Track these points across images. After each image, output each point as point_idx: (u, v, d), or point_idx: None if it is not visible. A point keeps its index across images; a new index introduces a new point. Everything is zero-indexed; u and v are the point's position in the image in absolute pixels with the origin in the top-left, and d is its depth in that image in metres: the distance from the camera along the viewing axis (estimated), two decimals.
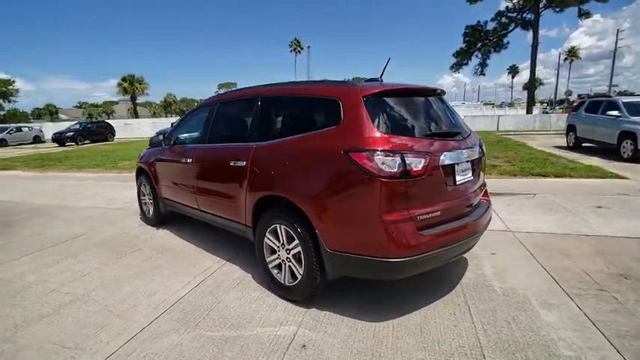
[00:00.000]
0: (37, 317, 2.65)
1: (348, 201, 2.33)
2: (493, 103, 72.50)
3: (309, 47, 77.31)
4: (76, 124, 26.45)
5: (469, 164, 2.71)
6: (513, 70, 74.17)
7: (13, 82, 42.35)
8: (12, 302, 2.89)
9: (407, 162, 2.21)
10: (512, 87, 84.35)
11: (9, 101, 42.46)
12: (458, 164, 2.56)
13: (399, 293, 2.88)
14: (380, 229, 2.21)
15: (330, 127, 2.49)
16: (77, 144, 23.02)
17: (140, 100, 47.04)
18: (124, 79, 44.95)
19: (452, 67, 34.80)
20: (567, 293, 2.80)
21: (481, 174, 2.98)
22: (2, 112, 47.12)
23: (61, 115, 68.16)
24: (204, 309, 2.71)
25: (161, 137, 4.57)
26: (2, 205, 6.49)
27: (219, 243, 4.08)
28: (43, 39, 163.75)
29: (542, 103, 63.59)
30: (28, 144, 25.87)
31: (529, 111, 29.35)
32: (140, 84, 46.86)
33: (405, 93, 2.64)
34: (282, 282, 2.82)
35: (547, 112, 35.42)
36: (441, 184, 2.41)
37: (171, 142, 4.33)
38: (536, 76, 34.06)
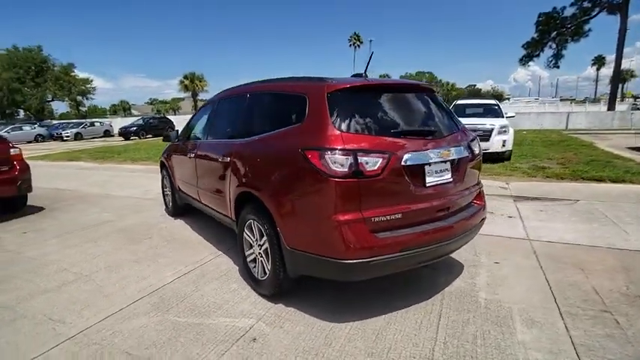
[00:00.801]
0: (41, 292, 3.06)
1: (303, 199, 2.35)
2: (573, 99, 65.38)
3: (371, 41, 76.36)
4: (139, 119, 29.14)
5: (448, 165, 2.56)
6: (599, 62, 66.37)
7: (91, 80, 47.94)
8: (27, 277, 3.36)
9: (360, 162, 2.17)
10: (597, 80, 75.52)
11: (87, 98, 47.94)
12: (430, 164, 2.44)
13: (375, 295, 2.83)
14: (331, 229, 2.20)
15: (296, 125, 2.53)
16: (140, 138, 25.38)
17: (201, 96, 50.36)
18: (185, 77, 48.48)
19: (521, 59, 32.35)
20: (561, 312, 2.54)
21: (470, 176, 2.80)
22: (84, 109, 53.38)
23: (134, 111, 75.22)
24: (181, 296, 2.92)
25: (175, 133, 4.93)
26: (58, 192, 7.45)
27: (224, 235, 4.30)
28: (121, 40, 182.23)
29: (636, 97, 55.93)
30: (99, 137, 29.12)
31: (611, 107, 26.16)
32: (200, 81, 50.14)
33: (377, 89, 2.57)
34: (256, 276, 2.92)
35: (638, 108, 31.26)
36: (403, 186, 2.32)
37: (184, 138, 4.65)
38: (627, 67, 30.24)
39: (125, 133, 25.72)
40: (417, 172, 2.39)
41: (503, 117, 9.20)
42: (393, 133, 2.38)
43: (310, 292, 2.86)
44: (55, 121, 37.29)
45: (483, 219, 2.98)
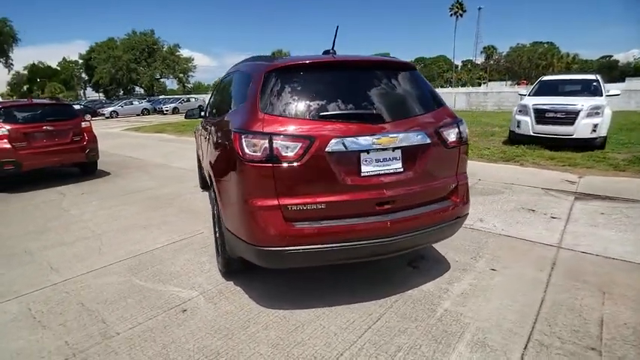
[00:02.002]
0: (59, 244, 3.70)
1: (230, 182, 2.36)
2: None
3: (479, 9, 69.53)
4: None
5: (397, 153, 2.28)
6: None
7: (193, 59, 53.55)
8: (59, 231, 4.08)
9: (276, 146, 2.08)
10: None
11: (188, 76, 53.74)
12: (368, 152, 2.20)
13: (329, 286, 2.75)
14: (247, 213, 2.18)
15: (241, 105, 2.51)
16: None
17: None
18: (272, 54, 50.69)
19: None
20: (530, 340, 2.12)
21: (436, 166, 2.46)
22: (190, 85, 60.08)
23: None
24: (156, 262, 3.23)
25: (197, 110, 5.29)
26: (129, 160, 8.70)
27: None
28: (225, 18, 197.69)
29: None
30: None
31: None
32: None
33: (323, 67, 2.38)
34: (216, 252, 3.07)
35: None
36: (329, 174, 2.15)
37: (204, 114, 4.97)
38: None
39: None
40: (349, 159, 2.18)
41: (601, 95, 7.57)
42: (324, 116, 2.18)
43: (267, 276, 2.89)
44: (162, 97, 42.92)
45: (459, 217, 2.60)
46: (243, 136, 2.14)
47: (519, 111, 8.04)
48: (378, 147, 2.20)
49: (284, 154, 2.08)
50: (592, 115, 7.04)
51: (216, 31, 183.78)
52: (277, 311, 2.45)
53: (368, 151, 2.20)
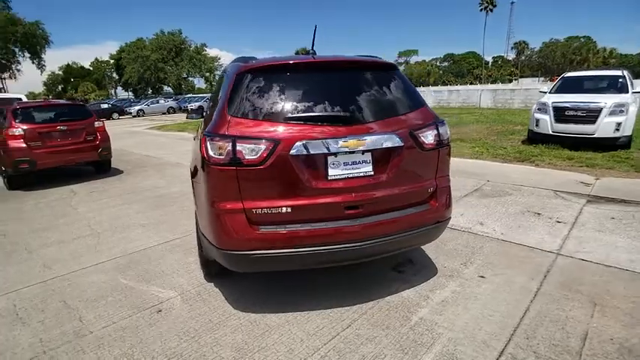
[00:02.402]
0: (59, 242, 3.86)
1: (199, 185, 2.39)
2: None
3: (512, 3, 67.31)
4: None
5: (367, 156, 2.22)
6: None
7: (219, 58, 54.61)
8: (62, 229, 4.26)
9: (238, 149, 2.07)
10: None
11: (214, 75, 54.81)
12: (336, 155, 2.16)
13: (306, 292, 2.72)
14: (213, 216, 2.19)
15: (216, 107, 2.52)
16: None
17: None
18: (296, 53, 50.88)
19: None
20: (504, 353, 2.02)
21: (412, 170, 2.38)
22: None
23: None
24: (144, 261, 3.31)
25: (200, 109, 5.37)
26: (144, 159, 8.98)
27: None
28: (252, 18, 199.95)
29: None
30: None
31: None
32: None
33: (296, 69, 2.35)
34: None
35: None
36: (294, 178, 2.12)
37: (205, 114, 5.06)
38: None
39: None
40: (315, 163, 2.15)
41: (627, 92, 7.10)
42: (291, 118, 2.16)
43: (246, 279, 2.89)
44: (189, 95, 43.97)
45: (439, 222, 2.51)
46: (208, 139, 2.15)
47: (538, 109, 7.67)
48: (345, 150, 2.15)
49: (247, 157, 2.08)
50: (615, 113, 6.61)
51: (245, 30, 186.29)
52: (249, 315, 2.46)
53: (335, 154, 2.15)
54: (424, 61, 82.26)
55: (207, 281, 2.91)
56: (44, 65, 41.26)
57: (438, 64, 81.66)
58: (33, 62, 39.45)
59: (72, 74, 68.17)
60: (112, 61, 61.92)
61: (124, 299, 2.70)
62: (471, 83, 56.86)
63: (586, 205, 4.26)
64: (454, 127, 11.67)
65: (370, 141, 2.19)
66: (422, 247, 3.26)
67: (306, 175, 2.14)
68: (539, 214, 4.06)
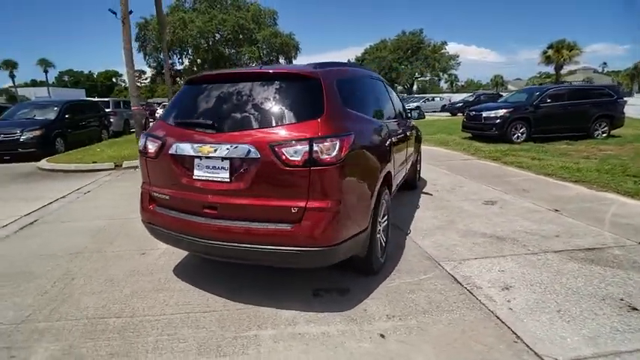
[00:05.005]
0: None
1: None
2: None
3: None
4: (470, 95, 30.05)
5: (225, 163, 2.44)
6: None
7: (457, 56, 53.57)
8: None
9: (146, 144, 2.79)
10: None
11: (450, 74, 53.92)
12: (201, 158, 2.51)
13: (275, 288, 2.92)
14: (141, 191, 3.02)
15: None
16: (463, 114, 26.30)
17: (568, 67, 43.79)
18: (550, 46, 43.18)
19: None
20: None
21: (271, 184, 2.39)
22: (460, 83, 59.16)
23: (510, 87, 70.51)
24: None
25: None
26: None
27: None
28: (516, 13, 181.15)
29: None
30: (437, 112, 32.30)
31: None
32: (571, 50, 42.98)
33: (212, 81, 2.80)
34: None
35: None
36: (171, 172, 2.64)
37: None
38: None
39: (451, 109, 27.63)
40: (186, 162, 2.59)
41: None
42: (179, 123, 2.69)
43: (231, 269, 3.17)
44: (417, 95, 45.12)
45: (308, 249, 2.37)
46: (145, 137, 2.92)
47: None
48: (203, 155, 2.48)
49: (149, 150, 2.77)
50: None
51: (507, 25, 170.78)
52: (220, 300, 2.75)
53: (201, 157, 2.52)
54: None
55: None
56: None
57: None
58: None
59: None
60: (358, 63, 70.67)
61: (105, 267, 3.92)
62: None
63: None
64: None
65: (225, 149, 2.41)
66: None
67: (180, 171, 2.63)
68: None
